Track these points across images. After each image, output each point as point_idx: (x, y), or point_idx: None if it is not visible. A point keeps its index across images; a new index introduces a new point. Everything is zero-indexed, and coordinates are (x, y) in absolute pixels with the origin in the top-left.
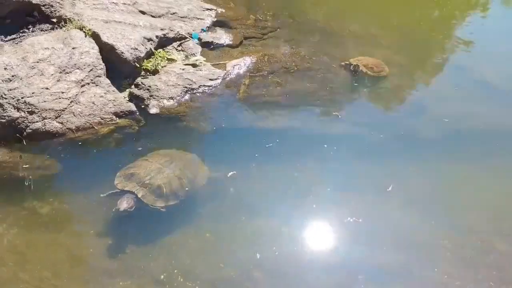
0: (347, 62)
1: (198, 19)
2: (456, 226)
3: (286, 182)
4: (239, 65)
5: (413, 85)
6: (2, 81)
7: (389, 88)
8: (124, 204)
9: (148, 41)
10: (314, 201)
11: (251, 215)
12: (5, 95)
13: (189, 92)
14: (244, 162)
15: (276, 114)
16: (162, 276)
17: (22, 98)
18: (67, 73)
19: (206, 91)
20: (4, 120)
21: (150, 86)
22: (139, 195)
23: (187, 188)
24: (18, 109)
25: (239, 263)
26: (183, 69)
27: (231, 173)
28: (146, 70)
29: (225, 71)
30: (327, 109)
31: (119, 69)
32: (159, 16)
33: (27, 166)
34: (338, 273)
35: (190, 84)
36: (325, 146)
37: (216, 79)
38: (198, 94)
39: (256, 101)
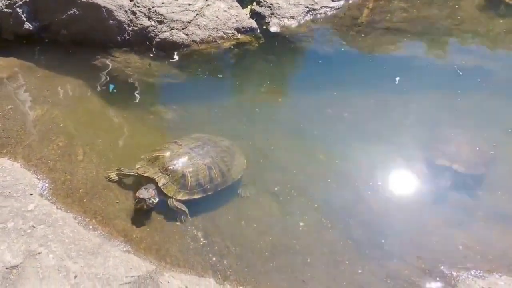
0: None
1: None
2: None
3: (402, 112)
4: None
5: None
6: None
7: None
8: (144, 192)
9: None
10: (429, 134)
11: (364, 140)
12: (138, 3)
13: (310, 13)
14: (362, 88)
15: (399, 41)
16: (276, 189)
17: (153, 7)
18: None
19: (328, 12)
20: (136, 28)
21: (271, 4)
22: (160, 183)
23: (216, 182)
24: (149, 18)
25: (352, 186)
26: None
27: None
28: None
29: None
30: (455, 39)
31: None
32: None
33: (155, 73)
34: (456, 211)
35: (312, 4)
36: (450, 78)
37: (339, 0)
38: (319, 15)
39: (379, 26)
